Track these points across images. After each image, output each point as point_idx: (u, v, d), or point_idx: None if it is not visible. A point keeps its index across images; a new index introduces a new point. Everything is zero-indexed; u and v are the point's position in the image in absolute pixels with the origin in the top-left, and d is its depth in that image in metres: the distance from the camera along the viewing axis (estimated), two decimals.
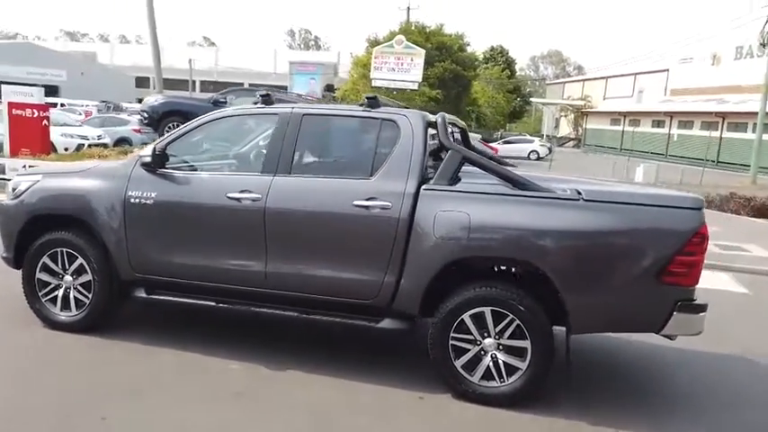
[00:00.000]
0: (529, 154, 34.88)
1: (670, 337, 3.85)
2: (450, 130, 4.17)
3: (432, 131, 4.11)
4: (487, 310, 3.70)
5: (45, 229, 4.41)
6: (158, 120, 13.09)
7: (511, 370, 3.73)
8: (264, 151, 4.22)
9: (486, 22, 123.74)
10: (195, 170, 4.29)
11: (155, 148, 4.23)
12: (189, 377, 3.87)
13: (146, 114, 13.30)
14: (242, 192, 4.03)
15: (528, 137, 41.14)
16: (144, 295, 4.30)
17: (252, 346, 4.34)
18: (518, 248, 3.66)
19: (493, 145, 37.16)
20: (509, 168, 4.22)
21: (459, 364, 3.78)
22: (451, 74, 27.62)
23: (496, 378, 3.75)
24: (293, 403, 3.61)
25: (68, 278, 4.40)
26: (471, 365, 3.78)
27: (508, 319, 3.68)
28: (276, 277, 4.04)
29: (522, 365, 3.70)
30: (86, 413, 3.29)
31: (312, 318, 4.02)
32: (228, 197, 4.04)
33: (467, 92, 31.61)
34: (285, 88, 52.05)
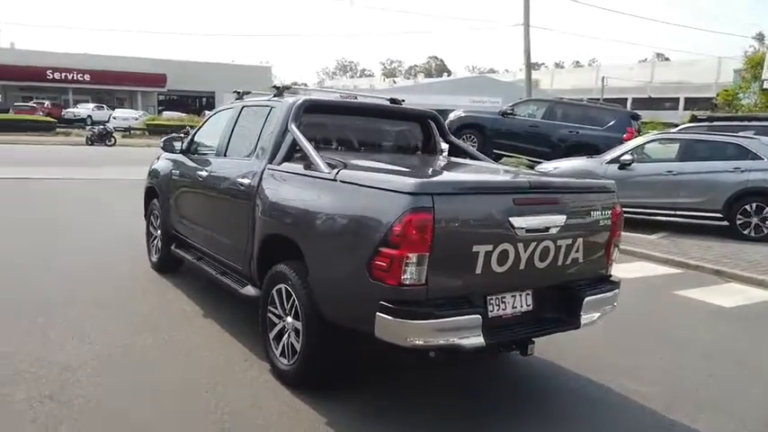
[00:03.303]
0: None
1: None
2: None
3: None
4: (283, 288, 3.78)
5: (154, 197, 6.36)
6: (454, 132, 14.42)
7: (294, 350, 3.70)
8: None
9: None
10: (194, 153, 5.52)
11: (186, 136, 5.67)
12: (143, 300, 5.16)
13: (446, 128, 14.80)
14: (203, 170, 5.08)
15: None
16: (173, 248, 5.77)
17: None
18: (285, 226, 3.66)
19: None
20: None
21: (271, 335, 3.95)
22: None
23: (287, 356, 3.77)
24: (162, 335, 4.49)
25: (159, 232, 6.23)
26: (278, 339, 3.89)
27: (293, 297, 3.68)
28: (210, 239, 4.94)
29: (298, 347, 3.63)
30: (58, 310, 4.94)
31: (218, 279, 4.74)
32: (197, 174, 5.15)
33: None
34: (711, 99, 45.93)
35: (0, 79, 46.96)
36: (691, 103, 54.19)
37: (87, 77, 47.55)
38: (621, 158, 9.91)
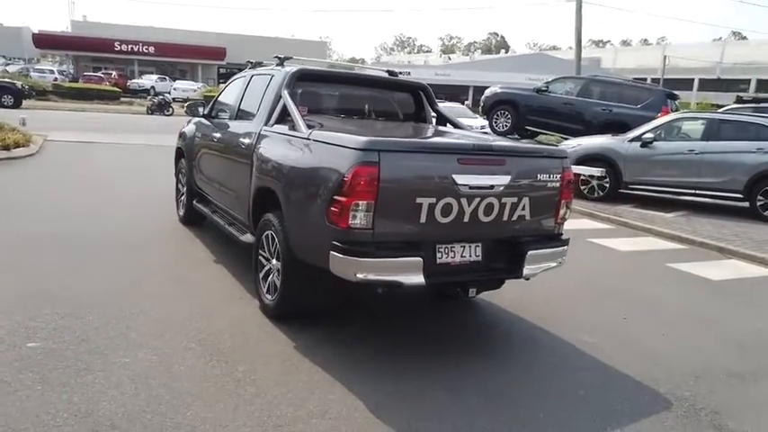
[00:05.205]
0: None
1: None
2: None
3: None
4: (270, 233, 4.33)
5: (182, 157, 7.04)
6: (489, 108, 14.66)
7: (275, 287, 4.26)
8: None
9: None
10: (214, 117, 6.12)
11: (211, 101, 6.29)
12: (164, 242, 5.84)
13: (482, 104, 15.04)
14: (218, 131, 5.67)
15: None
16: (195, 203, 6.43)
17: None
18: (270, 180, 4.19)
19: None
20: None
21: (260, 275, 4.52)
22: None
23: (271, 293, 4.34)
24: (175, 274, 5.15)
25: (184, 188, 6.91)
26: (266, 279, 4.46)
27: (276, 241, 4.23)
28: (221, 193, 5.55)
29: (278, 284, 4.19)
30: (91, 250, 5.68)
31: (225, 228, 5.35)
32: (213, 135, 5.76)
33: None
34: None
35: (72, 50, 49.64)
36: (764, 84, 51.55)
37: (152, 50, 49.58)
38: (643, 136, 9.97)
